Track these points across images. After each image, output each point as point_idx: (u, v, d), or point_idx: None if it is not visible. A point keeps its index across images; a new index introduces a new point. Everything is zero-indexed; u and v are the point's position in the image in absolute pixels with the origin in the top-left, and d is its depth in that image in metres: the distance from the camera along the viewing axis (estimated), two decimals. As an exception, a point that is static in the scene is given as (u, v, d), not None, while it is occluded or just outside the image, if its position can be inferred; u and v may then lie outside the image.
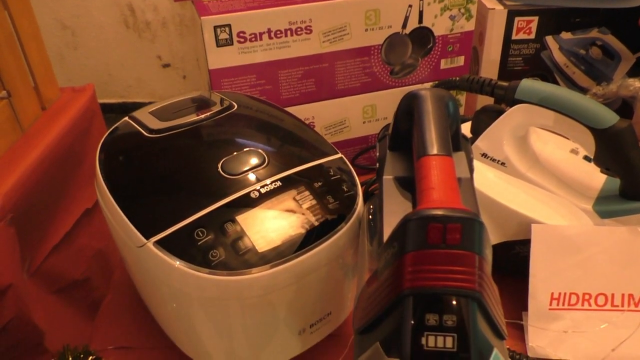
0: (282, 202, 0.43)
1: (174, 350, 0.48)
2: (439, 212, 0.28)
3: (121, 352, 0.53)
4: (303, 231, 0.42)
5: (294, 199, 0.44)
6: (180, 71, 1.86)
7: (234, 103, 0.53)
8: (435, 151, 0.32)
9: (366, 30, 0.65)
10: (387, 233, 0.33)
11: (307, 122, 0.69)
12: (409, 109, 0.38)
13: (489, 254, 0.30)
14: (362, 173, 0.71)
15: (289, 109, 0.67)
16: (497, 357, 0.30)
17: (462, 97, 0.75)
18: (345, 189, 0.46)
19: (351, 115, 0.71)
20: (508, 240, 0.53)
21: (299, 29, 0.63)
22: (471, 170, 0.39)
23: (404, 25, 0.67)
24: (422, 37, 0.69)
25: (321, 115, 0.69)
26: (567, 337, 0.47)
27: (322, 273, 0.44)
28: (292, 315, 0.44)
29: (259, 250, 0.40)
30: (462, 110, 0.76)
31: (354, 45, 0.66)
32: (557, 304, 0.49)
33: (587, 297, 0.49)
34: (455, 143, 0.39)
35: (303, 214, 0.43)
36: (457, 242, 0.28)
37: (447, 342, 0.28)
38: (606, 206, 0.51)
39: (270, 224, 0.42)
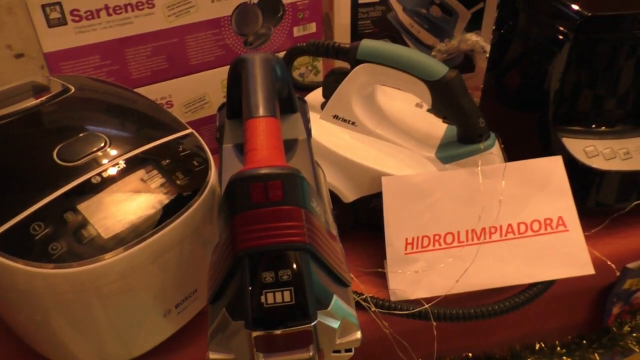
0: (128, 184, 0.42)
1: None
2: (259, 171, 0.28)
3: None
4: (154, 210, 0.41)
5: (142, 179, 0.43)
6: (37, 60, 1.70)
7: (71, 86, 0.50)
8: (259, 113, 0.33)
9: (213, 1, 0.64)
10: (225, 200, 0.34)
11: (164, 101, 0.67)
12: (238, 74, 0.38)
13: (316, 207, 0.31)
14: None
15: (143, 89, 0.65)
16: (337, 302, 0.32)
17: (319, 64, 0.77)
18: (196, 164, 0.46)
19: (210, 90, 0.70)
20: (364, 195, 0.55)
21: (139, 4, 0.60)
22: (308, 130, 0.40)
23: (251, -5, 0.66)
24: (271, 6, 0.69)
25: (178, 93, 0.68)
26: (422, 277, 0.51)
27: (180, 250, 0.43)
28: (155, 297, 0.43)
29: (106, 236, 0.39)
30: (320, 77, 0.77)
31: (202, 17, 0.64)
32: (412, 248, 0.53)
33: (437, 237, 0.53)
34: (288, 105, 0.40)
35: (152, 193, 0.42)
36: (280, 198, 0.29)
37: (284, 296, 0.29)
38: (447, 152, 0.56)
39: (117, 208, 0.40)
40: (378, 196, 0.54)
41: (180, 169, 0.45)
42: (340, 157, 0.55)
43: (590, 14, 0.52)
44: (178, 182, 0.44)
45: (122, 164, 0.43)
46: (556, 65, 0.56)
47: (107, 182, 0.41)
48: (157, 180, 0.43)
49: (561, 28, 0.55)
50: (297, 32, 0.72)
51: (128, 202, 0.41)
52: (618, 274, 0.56)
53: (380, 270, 0.53)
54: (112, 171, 0.42)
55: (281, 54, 0.72)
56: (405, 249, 0.53)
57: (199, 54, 0.67)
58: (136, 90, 0.63)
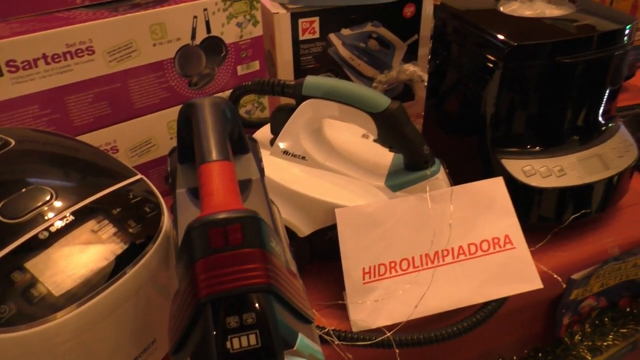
0: (78, 237, 0.41)
1: None
2: (218, 216, 0.29)
3: None
4: (106, 262, 0.40)
5: (92, 230, 0.42)
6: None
7: (11, 139, 0.49)
8: (212, 157, 0.33)
9: (154, 45, 0.64)
10: (182, 247, 0.33)
11: (108, 146, 0.66)
12: (188, 119, 0.38)
13: (276, 247, 0.31)
14: (178, 189, 0.70)
15: (86, 136, 0.63)
16: (303, 340, 0.32)
17: (264, 100, 0.78)
18: (148, 210, 0.45)
19: (156, 133, 0.69)
20: (319, 228, 0.56)
21: (79, 51, 0.59)
22: (261, 170, 0.40)
23: (193, 37, 0.67)
24: (214, 46, 0.69)
25: (123, 137, 0.66)
26: (382, 305, 0.52)
27: (136, 300, 0.42)
28: (112, 352, 0.42)
29: (57, 294, 0.37)
30: (267, 112, 0.78)
31: (145, 61, 0.64)
32: (370, 277, 0.53)
33: (393, 264, 0.54)
34: (240, 146, 0.40)
35: (104, 244, 0.41)
36: (240, 242, 0.29)
37: (250, 339, 0.29)
38: (395, 180, 0.58)
39: (68, 263, 0.39)
40: (333, 228, 0.55)
41: (132, 217, 0.44)
42: (293, 192, 0.55)
43: (515, 44, 0.56)
44: (130, 230, 0.43)
45: (70, 217, 0.42)
46: (489, 91, 0.60)
47: (55, 237, 0.40)
48: (109, 230, 0.42)
49: (490, 57, 0.59)
50: (241, 70, 0.73)
51: (79, 256, 0.40)
52: (565, 285, 0.59)
53: (340, 302, 0.54)
54: (60, 225, 0.41)
55: (227, 93, 0.73)
56: (363, 279, 0.53)
57: (143, 98, 0.66)
58: (79, 137, 0.62)
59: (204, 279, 0.29)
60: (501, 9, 0.65)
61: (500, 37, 0.57)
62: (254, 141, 0.43)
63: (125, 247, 0.42)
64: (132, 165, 0.68)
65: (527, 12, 0.64)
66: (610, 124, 0.65)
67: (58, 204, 0.42)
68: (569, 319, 0.66)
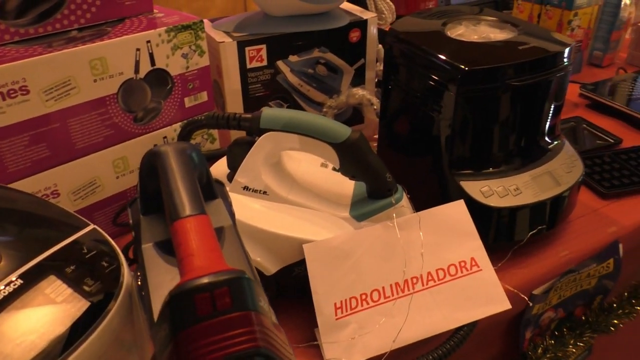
0: (29, 303, 0.37)
1: None
2: (203, 280, 0.26)
3: None
4: (64, 328, 0.36)
5: (44, 294, 0.38)
6: None
7: (-60, 195, 0.44)
8: (187, 212, 0.31)
9: (95, 80, 0.60)
10: (156, 310, 0.30)
11: (48, 191, 0.61)
12: (152, 168, 0.35)
13: (264, 305, 0.29)
14: (127, 231, 0.66)
15: (22, 182, 0.58)
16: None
17: (214, 131, 0.75)
18: (106, 264, 0.41)
19: (101, 173, 0.65)
20: (286, 265, 0.54)
21: (11, 91, 0.54)
22: (232, 215, 0.38)
23: (137, 70, 0.63)
24: (159, 79, 0.66)
25: (65, 180, 0.62)
26: (357, 340, 0.51)
27: (100, 365, 0.38)
28: None
29: (10, 371, 0.33)
30: (217, 144, 0.76)
31: (85, 98, 0.60)
32: (342, 312, 0.52)
33: (364, 296, 0.53)
34: (208, 192, 0.38)
35: (59, 308, 0.37)
36: (229, 306, 0.26)
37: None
38: (360, 210, 0.57)
39: (19, 333, 0.35)
40: (300, 264, 0.53)
41: (88, 274, 0.40)
42: (257, 230, 0.53)
43: (467, 69, 0.57)
44: (87, 289, 0.39)
45: (18, 281, 0.37)
46: (443, 115, 0.61)
47: (2, 305, 0.36)
48: (63, 291, 0.38)
49: (444, 82, 0.60)
50: (188, 102, 0.70)
51: (31, 324, 0.36)
52: (530, 303, 0.60)
53: (314, 343, 0.52)
54: (8, 290, 0.36)
55: (175, 126, 0.69)
56: (336, 314, 0.52)
57: (85, 137, 0.62)
58: (15, 184, 0.57)
59: (191, 350, 0.26)
60: (448, 33, 0.66)
61: (453, 62, 0.58)
62: (221, 184, 0.40)
63: (83, 309, 0.38)
64: (76, 209, 0.64)
65: (474, 36, 0.65)
66: (556, 141, 0.68)
67: (3, 267, 0.38)
68: (530, 332, 0.67)
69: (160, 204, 0.36)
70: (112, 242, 0.44)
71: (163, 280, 0.33)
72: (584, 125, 0.93)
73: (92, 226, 0.45)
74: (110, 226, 0.67)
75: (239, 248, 0.36)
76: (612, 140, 0.89)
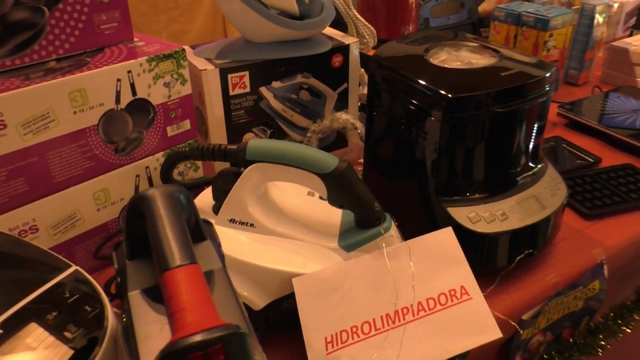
0: (9, 353, 0.35)
1: None
2: (196, 338, 0.25)
3: None
4: (47, 380, 0.35)
5: (26, 343, 0.36)
6: None
7: None
8: (177, 262, 0.29)
9: (75, 112, 0.59)
10: (146, 364, 0.29)
11: (27, 226, 0.59)
12: (138, 212, 0.34)
13: (258, 355, 0.28)
14: (110, 264, 0.64)
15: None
16: None
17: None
18: (89, 309, 0.40)
19: (82, 206, 0.63)
20: (275, 299, 0.53)
21: (-13, 126, 0.53)
22: (221, 256, 0.37)
23: (117, 101, 0.62)
24: (140, 109, 0.65)
25: (43, 215, 0.60)
26: (349, 375, 0.50)
27: (83, 418, 0.37)
28: None
29: None
30: (201, 172, 0.74)
31: (65, 131, 0.59)
32: (333, 347, 0.51)
33: (355, 329, 0.52)
34: (197, 234, 0.37)
35: (42, 356, 0.36)
36: (223, 363, 0.25)
37: None
38: (348, 240, 0.56)
39: (-1, 388, 0.33)
40: (289, 297, 0.53)
41: (71, 320, 0.39)
42: (244, 264, 0.52)
43: (452, 96, 0.57)
44: (70, 336, 0.38)
45: (-3, 331, 0.36)
46: (429, 142, 0.61)
47: (-20, 359, 0.34)
48: (45, 340, 0.37)
49: (429, 109, 0.60)
50: (171, 131, 0.69)
51: (12, 377, 0.34)
52: (520, 331, 0.60)
53: (304, 379, 0.51)
54: (-14, 343, 0.35)
55: (157, 155, 0.68)
56: (327, 349, 0.51)
57: (64, 170, 0.60)
58: (-8, 221, 0.55)
59: (185, 411, 0.25)
60: (431, 60, 0.66)
61: (437, 89, 0.58)
62: (209, 224, 0.39)
63: (66, 357, 0.36)
64: (56, 244, 0.62)
65: (457, 62, 0.66)
66: (539, 164, 0.68)
67: (-19, 317, 0.36)
68: (520, 357, 0.67)
69: (147, 248, 0.35)
70: (95, 284, 0.43)
71: (152, 330, 0.31)
72: (564, 145, 0.95)
73: (74, 267, 0.44)
74: (91, 260, 0.66)
75: (229, 291, 0.35)
76: (591, 160, 0.90)
